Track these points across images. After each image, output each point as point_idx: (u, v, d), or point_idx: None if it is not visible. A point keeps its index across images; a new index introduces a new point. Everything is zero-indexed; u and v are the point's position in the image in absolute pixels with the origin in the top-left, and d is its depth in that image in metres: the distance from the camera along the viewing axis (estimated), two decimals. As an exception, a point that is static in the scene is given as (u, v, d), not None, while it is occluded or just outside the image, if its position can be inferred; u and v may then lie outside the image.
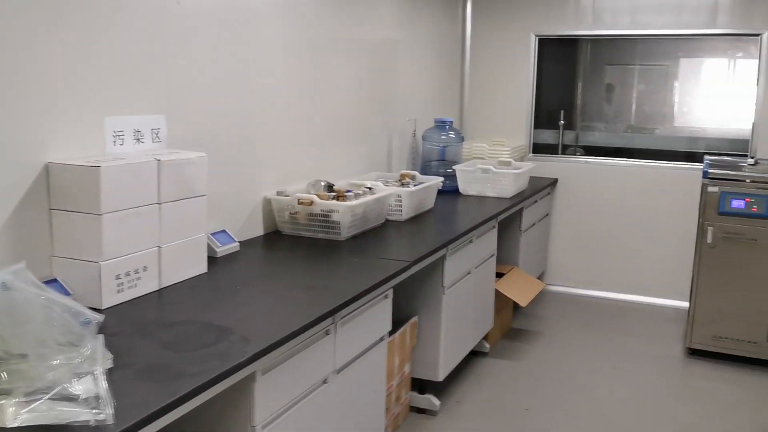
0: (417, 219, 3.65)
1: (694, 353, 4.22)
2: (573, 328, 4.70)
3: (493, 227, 4.00)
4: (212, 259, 2.63)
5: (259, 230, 3.15)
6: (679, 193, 4.97)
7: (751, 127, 4.86)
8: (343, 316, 2.31)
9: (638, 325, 4.77)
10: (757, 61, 4.77)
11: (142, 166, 2.19)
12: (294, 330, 1.96)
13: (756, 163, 4.17)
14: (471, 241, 3.61)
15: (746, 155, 4.81)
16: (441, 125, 4.63)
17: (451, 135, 4.64)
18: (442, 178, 3.99)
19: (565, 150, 5.60)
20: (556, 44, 5.71)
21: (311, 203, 3.07)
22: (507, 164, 4.78)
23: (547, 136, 5.63)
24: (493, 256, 4.03)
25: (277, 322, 2.03)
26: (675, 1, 4.94)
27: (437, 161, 4.66)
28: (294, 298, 2.30)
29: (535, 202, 4.94)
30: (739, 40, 5.35)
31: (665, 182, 5.08)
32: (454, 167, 4.50)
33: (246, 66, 2.96)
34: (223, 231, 2.80)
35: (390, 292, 2.69)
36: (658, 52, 5.84)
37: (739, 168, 4.11)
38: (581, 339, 4.50)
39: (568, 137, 5.65)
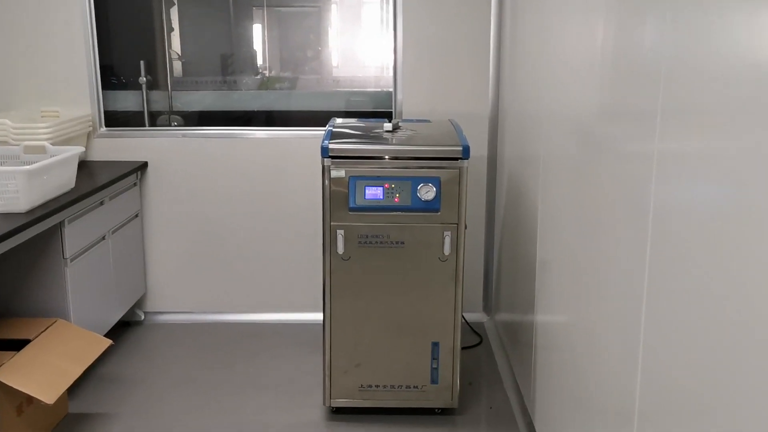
0: None
1: (339, 412, 2.91)
2: (175, 392, 3.11)
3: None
4: None
5: None
6: (318, 171, 3.61)
7: (392, 75, 3.65)
8: None
9: (270, 366, 3.34)
10: (392, -14, 3.53)
11: None
12: None
13: (396, 128, 2.90)
14: None
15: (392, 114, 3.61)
16: None
17: None
18: None
19: (156, 119, 3.92)
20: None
21: None
22: (39, 151, 2.97)
23: (132, 101, 3.89)
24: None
25: None
26: None
27: None
28: None
29: (101, 203, 3.21)
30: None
31: (299, 158, 3.68)
32: None
33: None
34: None
35: None
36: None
37: (373, 138, 2.80)
38: (186, 414, 2.94)
39: (159, 101, 3.96)
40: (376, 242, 2.68)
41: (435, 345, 2.78)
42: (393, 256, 2.70)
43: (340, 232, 2.67)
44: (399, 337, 2.77)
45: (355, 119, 3.21)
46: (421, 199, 2.63)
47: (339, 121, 3.11)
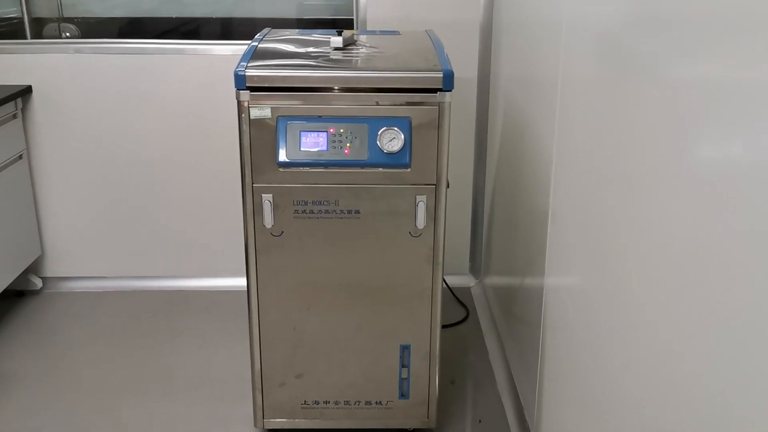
0: None
1: (275, 434, 2.18)
2: (62, 395, 2.35)
3: None
4: None
5: None
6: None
7: (353, -31, 2.74)
8: None
9: (194, 354, 2.58)
10: None
11: None
12: None
13: (349, 43, 2.02)
14: None
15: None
16: None
17: None
18: None
19: (42, 30, 2.99)
20: None
21: None
22: None
23: (9, 4, 2.95)
24: None
25: None
26: None
27: None
28: None
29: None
30: None
31: (230, 82, 2.79)
32: None
33: None
34: None
35: None
36: None
37: (314, 59, 1.93)
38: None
39: (46, 6, 3.01)
40: (320, 212, 1.87)
41: (405, 348, 2.02)
42: (344, 230, 1.89)
43: (267, 198, 1.85)
44: (355, 338, 2.00)
45: (297, 30, 2.32)
46: (382, 151, 1.80)
47: (271, 33, 2.22)
